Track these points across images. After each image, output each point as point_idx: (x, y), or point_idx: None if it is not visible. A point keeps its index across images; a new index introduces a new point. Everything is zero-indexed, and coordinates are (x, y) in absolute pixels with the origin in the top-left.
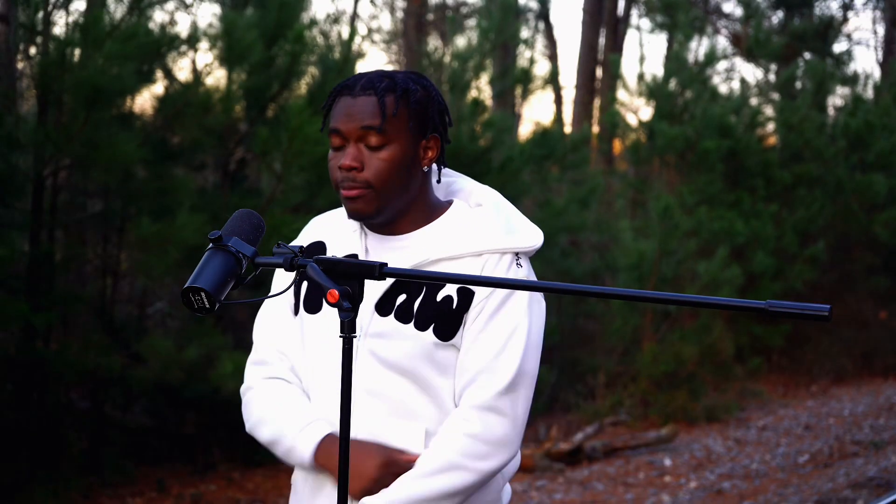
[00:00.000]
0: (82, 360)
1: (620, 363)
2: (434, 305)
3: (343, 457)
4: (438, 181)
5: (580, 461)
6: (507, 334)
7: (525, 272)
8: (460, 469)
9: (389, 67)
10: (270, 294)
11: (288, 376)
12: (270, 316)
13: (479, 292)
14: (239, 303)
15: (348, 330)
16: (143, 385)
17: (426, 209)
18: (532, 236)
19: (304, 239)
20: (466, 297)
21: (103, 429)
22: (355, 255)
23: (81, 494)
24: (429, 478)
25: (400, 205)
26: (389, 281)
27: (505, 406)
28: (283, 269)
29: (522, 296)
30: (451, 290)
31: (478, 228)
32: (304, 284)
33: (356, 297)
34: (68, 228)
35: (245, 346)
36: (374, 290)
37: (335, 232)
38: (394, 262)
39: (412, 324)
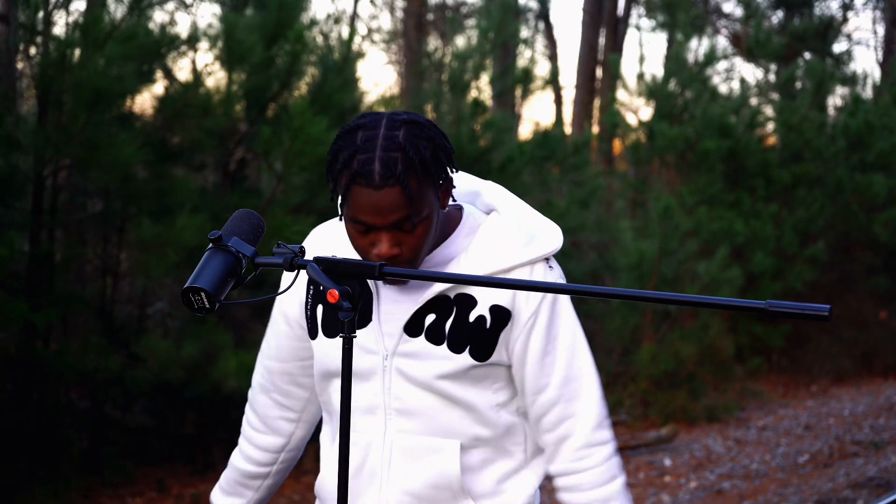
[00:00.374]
0: (82, 361)
1: (620, 363)
2: (467, 326)
3: (343, 457)
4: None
5: None
6: (570, 352)
7: (558, 273)
8: (614, 498)
9: (390, 67)
10: (270, 294)
11: (264, 384)
12: (273, 323)
13: (518, 310)
14: (239, 303)
15: (348, 330)
16: (142, 385)
17: (444, 228)
18: (553, 237)
19: (310, 254)
20: (501, 316)
21: (103, 429)
22: (370, 292)
23: (81, 494)
24: None
25: (429, 250)
26: (418, 302)
27: (601, 435)
28: (287, 271)
29: (563, 303)
30: (483, 310)
31: (500, 244)
32: (320, 308)
33: (356, 297)
34: (68, 228)
35: (245, 344)
36: (401, 311)
37: (342, 245)
38: (419, 291)
39: (445, 345)
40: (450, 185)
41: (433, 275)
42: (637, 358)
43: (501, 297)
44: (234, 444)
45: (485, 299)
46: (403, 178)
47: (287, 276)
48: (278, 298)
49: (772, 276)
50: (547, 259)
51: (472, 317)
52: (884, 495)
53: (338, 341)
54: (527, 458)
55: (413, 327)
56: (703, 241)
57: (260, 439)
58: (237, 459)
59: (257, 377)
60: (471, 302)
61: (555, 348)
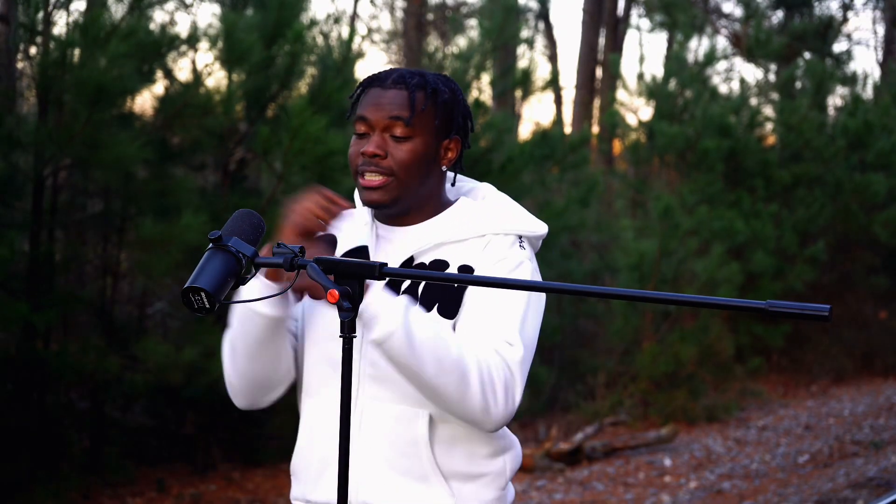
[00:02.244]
0: (82, 361)
1: (620, 363)
2: (438, 286)
3: (343, 457)
4: (453, 184)
5: (580, 461)
6: (506, 298)
7: (528, 254)
8: (478, 364)
9: (390, 67)
10: (270, 294)
11: None
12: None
13: (481, 266)
14: (239, 303)
15: (348, 330)
16: (141, 388)
17: (436, 206)
18: (535, 224)
19: None
20: (467, 273)
21: (103, 429)
22: (366, 247)
23: (81, 494)
24: (458, 351)
25: (415, 199)
26: (394, 264)
27: (515, 339)
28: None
29: (525, 273)
30: (453, 269)
31: (481, 214)
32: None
33: (356, 297)
34: (68, 228)
35: None
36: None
37: (346, 225)
38: (398, 249)
39: (417, 305)
40: (456, 147)
41: (433, 275)
42: (637, 358)
43: (471, 257)
44: (234, 444)
45: (455, 260)
46: (413, 87)
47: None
48: None
49: (772, 276)
50: (521, 237)
51: None
52: (884, 495)
53: (320, 305)
54: (497, 446)
55: (389, 291)
56: (704, 241)
57: None
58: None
59: None
60: (443, 266)
61: (496, 294)
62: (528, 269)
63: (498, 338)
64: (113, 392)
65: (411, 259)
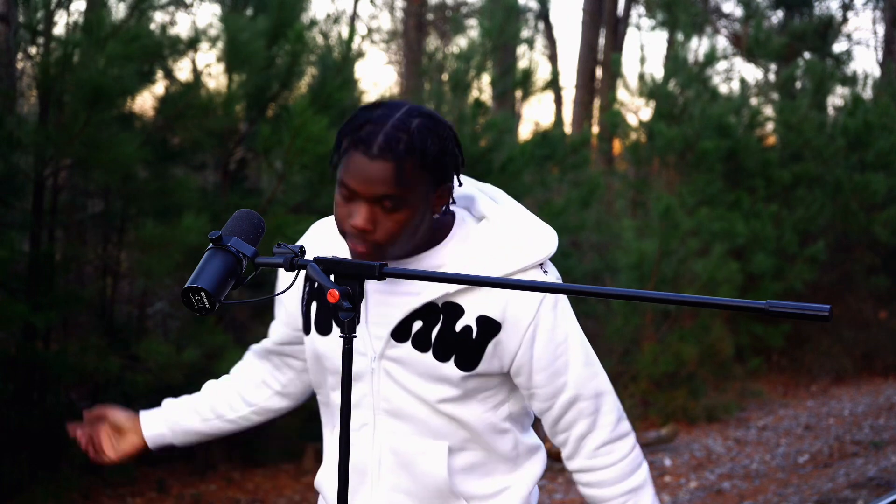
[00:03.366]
0: (82, 361)
1: (620, 363)
2: (453, 335)
3: (343, 457)
4: (453, 202)
5: None
6: (582, 350)
7: (553, 276)
8: (641, 488)
9: (390, 67)
10: (270, 294)
11: (260, 355)
12: (276, 317)
13: (514, 319)
14: (239, 303)
15: (348, 330)
16: (141, 388)
17: (429, 233)
18: (546, 242)
19: (310, 248)
20: (488, 327)
21: None
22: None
23: (81, 494)
24: None
25: (408, 248)
26: (406, 309)
27: (622, 428)
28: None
29: (564, 304)
30: (469, 320)
31: (490, 253)
32: (314, 305)
33: (356, 297)
34: (68, 229)
35: (245, 345)
36: (389, 315)
37: (341, 247)
38: (407, 296)
39: (430, 353)
40: (446, 193)
41: (434, 275)
42: (637, 358)
43: (490, 307)
44: (234, 444)
45: (472, 309)
46: (401, 157)
47: (283, 275)
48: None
49: (772, 276)
50: (541, 264)
51: (459, 327)
52: (884, 495)
53: (329, 339)
54: (519, 460)
55: (400, 333)
56: (704, 242)
57: (239, 384)
58: (208, 386)
59: (257, 346)
60: (458, 311)
61: (567, 349)
62: (564, 300)
63: (609, 432)
64: (113, 392)
65: (425, 305)
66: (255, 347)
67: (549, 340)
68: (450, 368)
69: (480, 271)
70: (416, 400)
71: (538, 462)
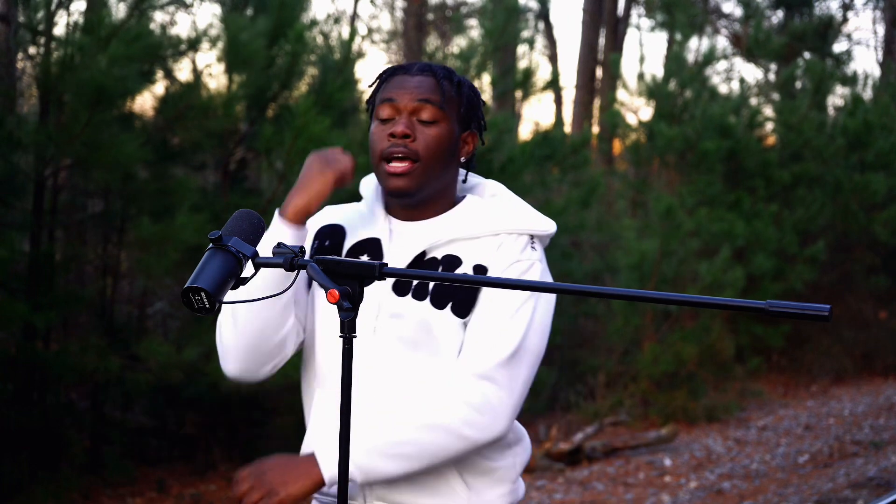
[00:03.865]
0: (82, 361)
1: (621, 363)
2: (451, 284)
3: (343, 457)
4: (465, 181)
5: (580, 461)
6: (514, 308)
7: (539, 255)
8: (451, 434)
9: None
10: (270, 294)
11: None
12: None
13: (494, 267)
14: (239, 303)
15: (348, 330)
16: (141, 388)
17: (448, 201)
18: (546, 222)
19: (319, 221)
20: (482, 273)
21: (103, 429)
22: (377, 240)
23: (81, 494)
24: (418, 429)
25: (434, 190)
26: (405, 261)
27: (503, 378)
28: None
29: (535, 275)
30: (467, 268)
31: (494, 212)
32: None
33: (356, 297)
34: (69, 229)
35: None
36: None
37: (354, 218)
38: (411, 243)
39: (428, 300)
40: (472, 141)
41: (433, 275)
42: (637, 358)
43: (484, 257)
44: (234, 444)
45: (469, 259)
46: (439, 74)
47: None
48: None
49: (772, 276)
50: (532, 237)
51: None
52: (884, 495)
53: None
54: (508, 443)
55: (400, 287)
56: (704, 242)
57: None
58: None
59: None
60: (456, 262)
61: (502, 301)
62: (538, 271)
63: (491, 366)
64: (113, 392)
65: (423, 254)
66: None
67: (510, 298)
68: (446, 314)
69: (479, 223)
70: (415, 353)
71: (526, 448)
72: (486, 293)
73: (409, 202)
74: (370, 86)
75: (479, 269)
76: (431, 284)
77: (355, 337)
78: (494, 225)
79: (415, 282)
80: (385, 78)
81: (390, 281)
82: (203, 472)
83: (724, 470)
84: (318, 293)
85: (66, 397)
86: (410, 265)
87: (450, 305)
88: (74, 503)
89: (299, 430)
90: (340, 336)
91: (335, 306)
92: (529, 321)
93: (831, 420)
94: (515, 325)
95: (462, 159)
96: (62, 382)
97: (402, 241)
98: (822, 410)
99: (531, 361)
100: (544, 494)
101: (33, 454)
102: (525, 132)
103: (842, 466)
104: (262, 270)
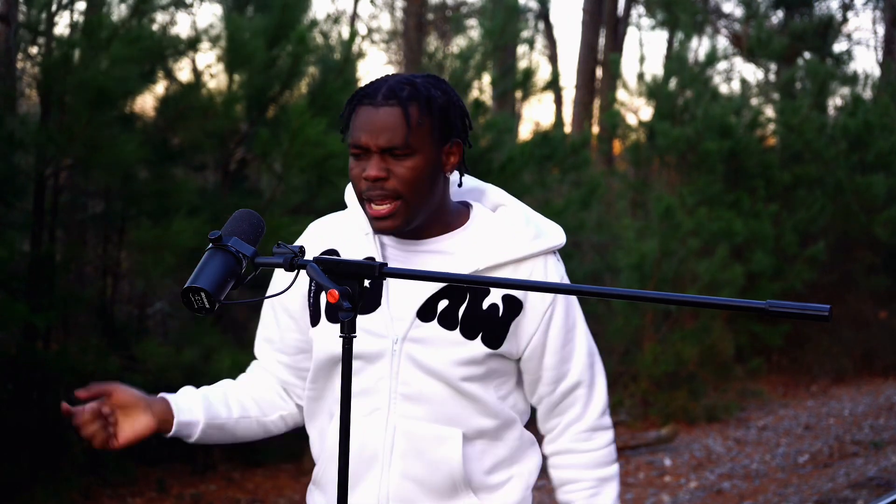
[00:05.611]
0: (82, 362)
1: (621, 363)
2: (480, 313)
3: (343, 457)
4: (460, 185)
5: None
6: (587, 341)
7: (563, 267)
8: (610, 480)
9: (390, 67)
10: (270, 294)
11: (268, 368)
12: (274, 316)
13: (533, 301)
14: (239, 303)
15: (348, 330)
16: (141, 388)
17: (446, 214)
18: (558, 233)
19: (312, 246)
20: (513, 306)
21: None
22: (372, 259)
23: (82, 494)
24: (597, 496)
25: (426, 214)
26: (432, 287)
27: (605, 421)
28: (282, 270)
29: (570, 299)
30: (496, 298)
31: (512, 234)
32: (324, 296)
33: (356, 297)
34: (69, 229)
35: (244, 345)
36: (415, 295)
37: (343, 237)
38: (428, 268)
39: (458, 331)
40: (457, 151)
41: (435, 275)
42: (638, 358)
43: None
44: (234, 444)
45: (497, 289)
46: (405, 101)
47: (281, 275)
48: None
49: (772, 276)
50: (555, 252)
51: (486, 304)
52: (884, 495)
53: (334, 332)
54: (521, 452)
55: (426, 312)
56: (704, 242)
57: (258, 390)
58: (228, 384)
59: (263, 363)
60: (484, 290)
61: (574, 337)
62: (570, 298)
63: (595, 418)
64: None
65: (448, 287)
66: (258, 367)
67: (562, 325)
68: (477, 345)
69: (504, 251)
70: (436, 381)
71: (536, 455)
72: (544, 330)
73: (399, 233)
74: (341, 116)
75: (511, 300)
76: (461, 316)
77: (355, 337)
78: (518, 250)
79: (440, 309)
80: (353, 107)
81: (414, 305)
82: (203, 472)
83: (724, 470)
84: (322, 329)
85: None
86: (433, 293)
87: (480, 336)
88: (74, 503)
89: (299, 429)
90: (340, 336)
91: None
92: (588, 346)
93: (831, 420)
94: (583, 361)
95: (447, 174)
96: (62, 382)
97: (428, 266)
98: (822, 410)
99: (603, 380)
100: (544, 494)
101: (33, 454)
102: (525, 132)
103: (842, 466)
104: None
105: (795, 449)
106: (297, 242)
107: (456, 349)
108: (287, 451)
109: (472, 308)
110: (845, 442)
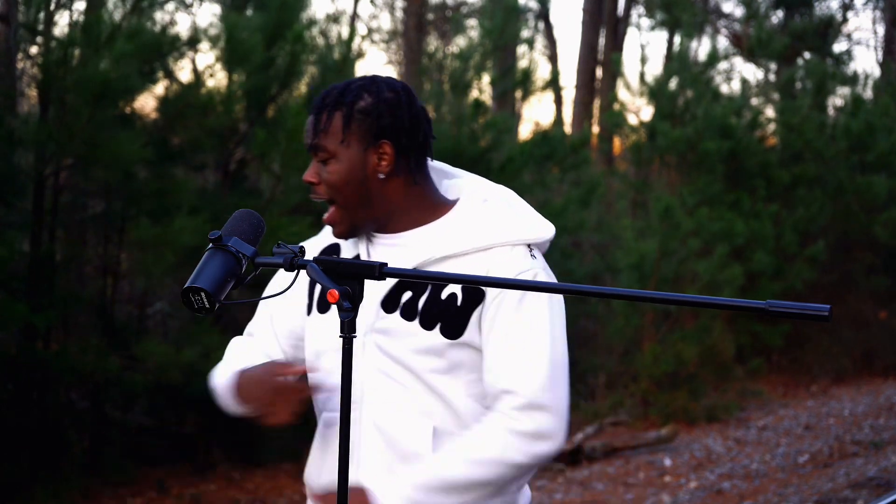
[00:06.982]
0: (82, 361)
1: (621, 363)
2: (439, 303)
3: (343, 457)
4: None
5: (580, 461)
6: (532, 330)
7: (540, 263)
8: (505, 464)
9: (390, 67)
10: (270, 294)
11: (266, 343)
12: (272, 305)
13: (491, 290)
14: (239, 303)
15: (348, 330)
16: (141, 388)
17: (425, 209)
18: (543, 227)
19: (321, 242)
20: (473, 295)
21: (103, 429)
22: (358, 257)
23: (81, 494)
24: (471, 464)
25: (379, 216)
26: (393, 280)
27: (548, 401)
28: (282, 270)
29: (540, 300)
30: (454, 287)
31: (485, 222)
32: (318, 287)
33: (356, 297)
34: (69, 228)
35: None
36: (379, 287)
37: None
38: (395, 261)
39: (417, 321)
40: (389, 149)
41: (435, 275)
42: (638, 358)
43: (478, 275)
44: (234, 444)
45: (495, 288)
46: (327, 108)
47: (279, 278)
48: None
49: (772, 275)
50: (530, 246)
51: (444, 294)
52: (884, 495)
53: (328, 318)
54: None
55: (389, 303)
56: (704, 242)
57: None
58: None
59: (258, 335)
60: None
61: (519, 327)
62: (542, 280)
63: (532, 396)
64: (113, 392)
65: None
66: (256, 337)
67: (511, 312)
68: (435, 336)
69: (470, 238)
70: (404, 371)
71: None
72: (492, 316)
73: (361, 234)
74: None
75: (468, 288)
76: (420, 307)
77: (355, 337)
78: (483, 238)
79: (403, 300)
80: None
81: (377, 297)
82: (203, 472)
83: (724, 470)
84: (313, 318)
85: (66, 397)
86: (397, 284)
87: (438, 327)
88: (74, 503)
89: (299, 430)
90: (340, 336)
91: (333, 333)
92: (551, 337)
93: (831, 420)
94: (541, 348)
95: (381, 175)
96: (62, 382)
97: (387, 258)
98: (822, 410)
99: (564, 372)
100: (544, 494)
101: (33, 454)
102: (525, 132)
103: (842, 466)
104: None
105: (795, 449)
106: (314, 238)
107: (415, 339)
108: (287, 451)
109: (432, 299)
110: (845, 442)
